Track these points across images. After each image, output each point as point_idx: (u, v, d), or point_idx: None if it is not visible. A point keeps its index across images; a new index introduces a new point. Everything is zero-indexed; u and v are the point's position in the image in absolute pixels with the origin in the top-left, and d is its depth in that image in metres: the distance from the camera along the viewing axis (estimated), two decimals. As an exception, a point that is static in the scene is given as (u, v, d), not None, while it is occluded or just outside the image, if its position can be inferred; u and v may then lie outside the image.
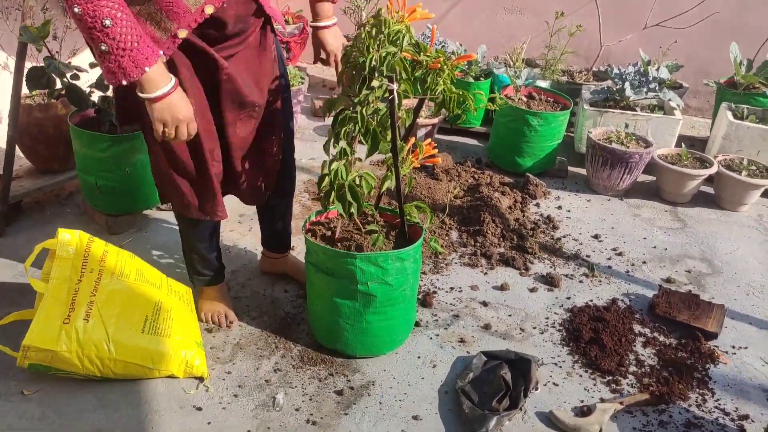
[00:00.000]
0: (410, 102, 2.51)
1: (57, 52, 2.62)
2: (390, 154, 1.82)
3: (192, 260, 2.11)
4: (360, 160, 1.86)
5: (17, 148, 2.51)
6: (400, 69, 1.66)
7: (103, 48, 1.43)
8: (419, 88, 1.73)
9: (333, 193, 1.77)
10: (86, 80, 2.58)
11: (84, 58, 2.88)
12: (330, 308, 1.93)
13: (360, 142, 1.78)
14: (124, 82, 1.47)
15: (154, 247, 2.55)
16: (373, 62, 1.62)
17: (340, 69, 1.86)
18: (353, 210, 1.79)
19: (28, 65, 2.45)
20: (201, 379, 1.90)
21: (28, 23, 2.35)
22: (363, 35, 1.65)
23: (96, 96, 2.56)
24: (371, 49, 1.63)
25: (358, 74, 1.68)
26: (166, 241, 2.60)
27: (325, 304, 1.95)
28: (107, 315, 1.81)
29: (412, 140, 1.90)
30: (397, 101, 1.69)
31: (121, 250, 2.02)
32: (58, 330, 1.75)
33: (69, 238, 1.90)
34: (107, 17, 1.39)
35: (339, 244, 1.94)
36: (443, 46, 4.04)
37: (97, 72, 2.56)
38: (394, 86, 1.66)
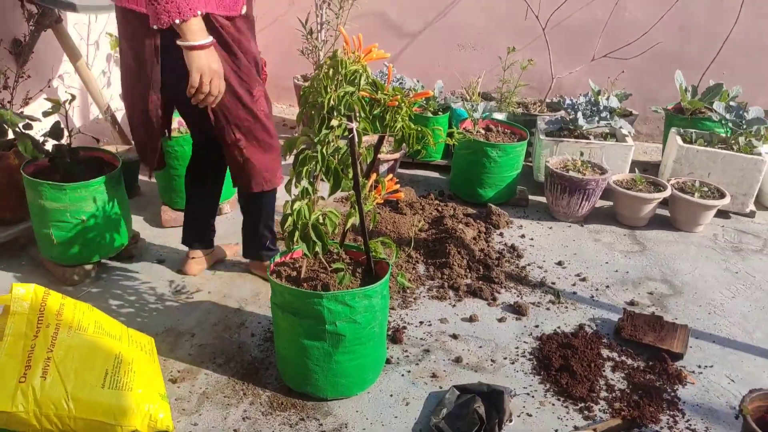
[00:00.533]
0: (370, 139, 2.55)
1: (9, 102, 2.57)
2: (353, 191, 1.82)
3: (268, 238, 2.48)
4: (323, 198, 1.86)
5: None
6: (359, 108, 1.68)
7: None
8: (378, 125, 1.75)
9: (297, 233, 1.76)
10: (39, 129, 2.53)
11: (36, 107, 2.83)
12: (298, 350, 1.90)
13: (321, 180, 1.78)
14: (177, 21, 1.71)
15: (113, 297, 2.48)
16: (332, 102, 1.63)
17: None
18: (318, 249, 1.78)
19: (-23, 116, 2.39)
20: (166, 432, 1.83)
21: (-23, 74, 2.31)
22: (321, 75, 1.67)
23: (49, 145, 2.51)
24: (329, 89, 1.65)
25: (317, 114, 1.69)
26: (125, 290, 2.53)
27: (293, 346, 1.91)
28: (66, 371, 1.74)
29: (374, 176, 1.91)
30: (357, 139, 1.70)
31: (78, 302, 1.95)
32: (14, 389, 1.66)
33: (23, 292, 1.83)
34: None
35: (305, 284, 1.92)
36: (401, 83, 4.11)
37: (51, 120, 2.51)
38: (354, 125, 1.68)
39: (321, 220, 1.79)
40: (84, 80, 3.27)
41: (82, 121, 3.63)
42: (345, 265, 1.97)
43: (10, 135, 2.49)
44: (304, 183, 1.75)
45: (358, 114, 1.70)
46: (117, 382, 1.80)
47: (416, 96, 1.81)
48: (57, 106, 2.45)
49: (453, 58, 4.66)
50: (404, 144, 1.79)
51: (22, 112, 2.51)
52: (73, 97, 2.52)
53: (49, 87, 3.17)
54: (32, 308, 1.81)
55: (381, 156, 3.57)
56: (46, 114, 2.48)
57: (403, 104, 1.72)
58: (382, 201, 1.96)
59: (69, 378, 1.73)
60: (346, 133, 1.69)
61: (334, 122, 1.65)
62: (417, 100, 1.80)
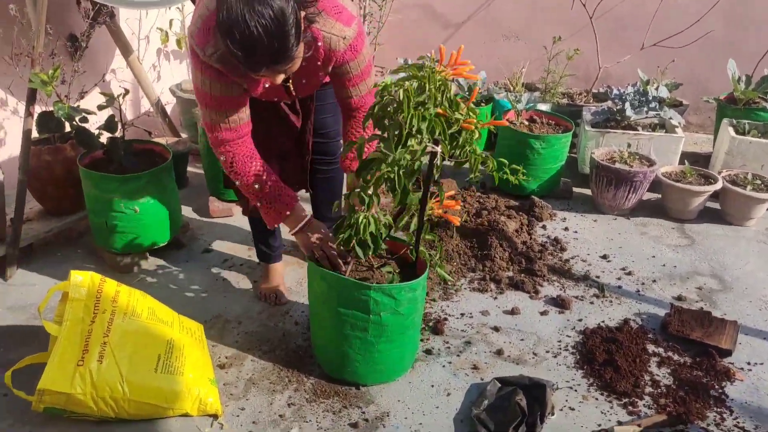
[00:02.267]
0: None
1: (66, 96, 2.68)
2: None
3: (257, 244, 2.55)
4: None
5: (27, 191, 2.55)
6: (439, 129, 1.61)
7: (259, 204, 2.01)
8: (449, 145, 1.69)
9: (354, 240, 1.81)
10: (94, 122, 2.63)
11: (92, 101, 2.94)
12: (340, 339, 1.94)
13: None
14: (276, 225, 2.07)
15: (164, 285, 2.57)
16: (413, 123, 1.56)
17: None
18: (370, 252, 1.85)
19: (37, 110, 2.50)
20: (215, 416, 1.90)
21: (37, 69, 2.41)
22: (401, 92, 1.57)
23: (104, 137, 2.61)
24: (409, 107, 1.56)
25: (392, 128, 1.62)
26: (175, 278, 2.62)
27: (335, 334, 1.95)
28: (120, 355, 1.82)
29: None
30: (439, 161, 1.67)
31: (132, 290, 2.04)
32: (73, 372, 1.75)
33: (81, 279, 1.92)
34: (256, 182, 1.95)
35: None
36: (475, 84, 4.07)
37: (105, 114, 2.61)
38: (439, 149, 1.64)
39: (377, 228, 1.83)
40: (135, 74, 3.37)
41: (134, 114, 3.75)
42: (393, 267, 2.00)
43: (67, 128, 2.59)
44: (371, 194, 1.74)
45: (437, 133, 1.62)
46: (169, 367, 1.87)
47: (490, 123, 1.78)
48: (111, 99, 2.55)
49: (497, 49, 4.62)
50: (469, 169, 1.74)
51: (78, 106, 2.61)
52: (127, 91, 2.61)
53: (103, 81, 3.28)
54: (89, 294, 1.90)
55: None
56: (100, 107, 2.58)
57: (477, 128, 1.66)
58: (440, 214, 1.95)
59: (124, 362, 1.81)
60: (426, 155, 1.65)
61: (413, 143, 1.60)
62: (488, 126, 1.73)
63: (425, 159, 1.67)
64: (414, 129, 1.56)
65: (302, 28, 1.57)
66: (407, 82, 1.58)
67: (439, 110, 1.60)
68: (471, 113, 1.65)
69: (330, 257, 1.95)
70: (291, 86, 1.93)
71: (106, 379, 1.77)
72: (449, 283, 2.60)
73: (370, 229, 1.80)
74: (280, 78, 1.67)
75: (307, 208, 2.20)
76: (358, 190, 1.73)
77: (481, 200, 3.32)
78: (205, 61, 1.73)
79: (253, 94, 1.90)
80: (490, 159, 1.74)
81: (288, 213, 2.00)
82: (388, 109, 1.62)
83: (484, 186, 3.54)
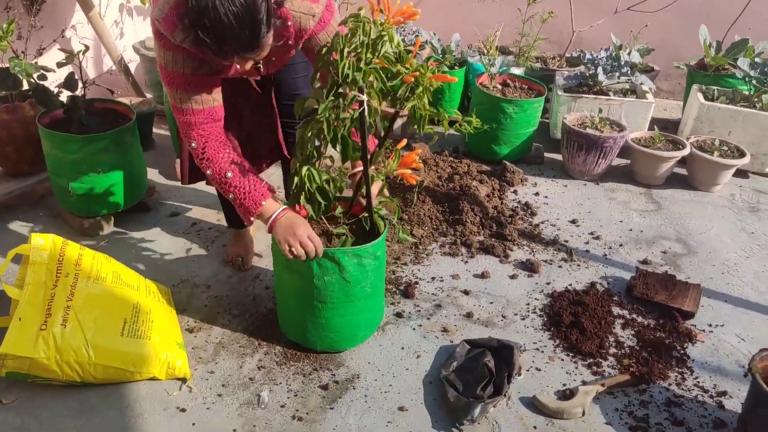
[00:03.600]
0: (390, 108, 2.45)
1: (23, 52, 2.56)
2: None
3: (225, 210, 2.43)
4: (332, 158, 1.85)
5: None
6: (377, 78, 1.58)
7: (231, 196, 1.83)
8: (392, 99, 1.66)
9: (302, 195, 1.76)
10: (53, 80, 2.52)
11: (50, 57, 2.82)
12: (293, 302, 1.94)
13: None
14: (252, 219, 1.85)
15: (130, 248, 2.52)
16: (345, 70, 1.53)
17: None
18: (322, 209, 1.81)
19: (-8, 66, 2.40)
20: (184, 380, 1.89)
21: (-10, 23, 2.30)
22: (337, 40, 1.55)
23: (64, 96, 2.51)
24: (344, 54, 1.54)
25: (330, 78, 1.61)
26: (141, 242, 2.57)
27: (288, 297, 1.95)
28: (85, 319, 1.79)
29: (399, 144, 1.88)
30: (367, 112, 1.63)
31: (96, 253, 1.99)
32: (35, 336, 1.72)
33: (42, 242, 1.87)
34: (229, 171, 1.81)
35: None
36: (417, 35, 4.03)
37: (65, 71, 2.51)
38: (364, 98, 1.59)
39: (327, 185, 1.79)
40: (97, 31, 3.24)
41: (97, 72, 3.62)
42: (346, 229, 1.97)
43: (25, 86, 2.49)
44: (310, 147, 1.71)
45: (372, 85, 1.59)
46: (135, 331, 1.85)
47: (437, 77, 1.63)
48: (71, 56, 2.44)
49: (471, 11, 4.55)
50: (415, 126, 1.70)
51: (36, 63, 2.50)
52: (87, 48, 2.50)
53: (62, 37, 3.14)
54: (51, 258, 1.85)
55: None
56: (59, 65, 2.48)
57: (420, 83, 1.61)
58: (399, 174, 1.91)
59: (88, 326, 1.78)
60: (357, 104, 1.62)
61: (343, 91, 1.58)
62: (438, 82, 1.63)
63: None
64: (348, 79, 1.53)
65: (272, 13, 1.53)
66: (349, 25, 1.55)
67: (378, 60, 1.56)
68: (421, 69, 1.60)
69: (308, 253, 1.79)
70: (261, 65, 1.87)
71: (71, 343, 1.74)
72: (421, 247, 2.60)
73: (315, 183, 1.75)
74: (250, 64, 1.63)
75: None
76: (300, 144, 1.71)
77: (453, 165, 3.31)
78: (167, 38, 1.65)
79: (223, 76, 1.83)
80: (443, 116, 1.70)
81: (263, 204, 1.82)
82: (325, 57, 1.60)
83: (456, 151, 3.53)
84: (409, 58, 1.62)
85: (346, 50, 1.54)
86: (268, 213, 1.81)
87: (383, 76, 1.58)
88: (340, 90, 1.59)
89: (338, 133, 1.66)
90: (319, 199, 1.79)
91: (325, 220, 1.97)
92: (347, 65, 1.53)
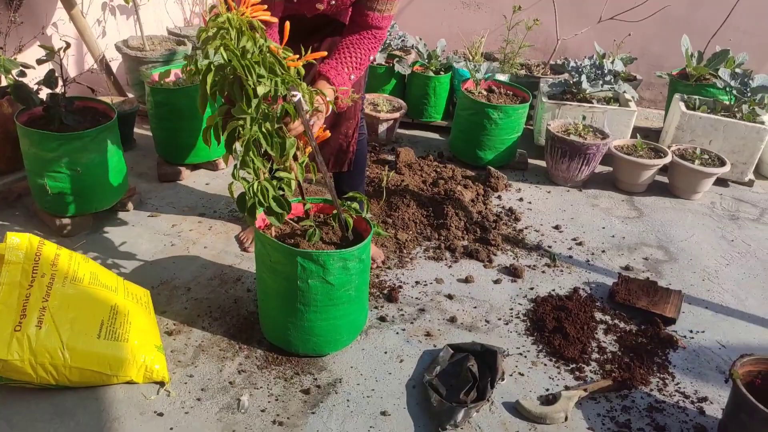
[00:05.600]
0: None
1: (1, 48, 2.51)
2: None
3: None
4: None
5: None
6: (278, 69, 1.56)
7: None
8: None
9: (260, 209, 1.73)
10: (33, 77, 2.48)
11: (30, 54, 2.77)
12: (275, 305, 1.92)
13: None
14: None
15: (109, 250, 2.47)
16: (254, 72, 1.50)
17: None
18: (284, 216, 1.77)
19: (-31, 62, 2.34)
20: (162, 383, 1.85)
21: (-32, 18, 2.25)
22: (222, 53, 1.48)
23: (44, 93, 2.46)
24: (240, 61, 1.48)
25: (237, 86, 1.54)
26: (121, 243, 2.52)
27: (271, 300, 1.92)
28: (61, 321, 1.74)
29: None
30: (305, 99, 1.62)
31: (73, 253, 1.95)
32: (9, 338, 1.67)
33: (18, 241, 1.82)
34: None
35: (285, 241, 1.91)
36: (403, 41, 4.03)
37: (45, 69, 2.46)
38: (298, 93, 1.59)
39: (279, 190, 1.74)
40: (79, 29, 3.19)
41: (78, 70, 3.56)
42: (313, 221, 1.96)
43: (3, 82, 2.43)
44: (256, 162, 1.66)
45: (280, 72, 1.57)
46: (113, 333, 1.80)
47: (308, 57, 1.66)
48: (51, 53, 2.40)
49: (457, 17, 4.57)
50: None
51: (15, 59, 2.45)
52: (68, 45, 2.46)
53: (42, 34, 3.10)
54: (27, 258, 1.81)
55: (380, 115, 3.52)
56: (40, 61, 2.43)
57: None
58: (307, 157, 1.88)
59: (64, 328, 1.74)
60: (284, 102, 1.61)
61: (262, 90, 1.52)
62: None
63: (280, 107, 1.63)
64: (256, 78, 1.50)
65: None
66: (215, 42, 1.47)
67: (273, 47, 1.56)
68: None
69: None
70: None
71: (46, 345, 1.70)
72: (405, 251, 2.59)
73: (271, 194, 1.71)
74: None
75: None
76: (238, 163, 1.66)
77: (438, 170, 3.31)
78: None
79: None
80: (319, 93, 1.71)
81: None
82: (222, 75, 1.53)
83: (441, 155, 3.53)
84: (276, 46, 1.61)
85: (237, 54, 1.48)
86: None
87: (280, 62, 1.57)
88: (259, 91, 1.53)
89: (274, 137, 1.62)
90: (277, 209, 1.74)
91: (291, 221, 1.95)
92: (248, 66, 1.48)
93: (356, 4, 1.97)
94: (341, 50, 1.95)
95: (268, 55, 1.54)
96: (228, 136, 1.60)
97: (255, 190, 1.68)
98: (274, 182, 1.73)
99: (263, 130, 1.60)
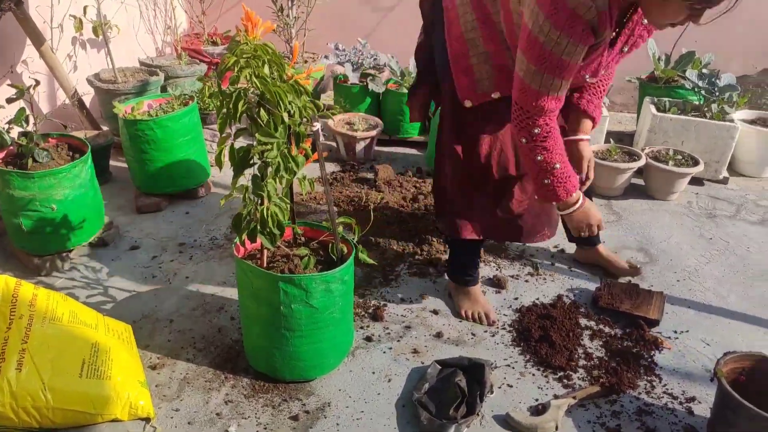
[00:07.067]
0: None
1: (-31, 89, 2.50)
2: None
3: (460, 264, 2.38)
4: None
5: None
6: (291, 95, 1.63)
7: (545, 182, 1.90)
8: None
9: (256, 231, 1.74)
10: (4, 117, 2.46)
11: (0, 93, 2.75)
12: (259, 331, 1.90)
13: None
14: (554, 203, 1.98)
15: (88, 286, 2.44)
16: (286, 99, 1.59)
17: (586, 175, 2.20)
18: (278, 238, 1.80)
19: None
20: (147, 419, 1.82)
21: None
22: (255, 80, 1.57)
23: (15, 132, 2.44)
24: (273, 89, 1.57)
25: (263, 111, 1.62)
26: (100, 278, 2.49)
27: (255, 327, 1.91)
28: (41, 362, 1.72)
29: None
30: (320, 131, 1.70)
31: (51, 292, 1.92)
32: (-12, 383, 1.64)
33: (-7, 284, 1.80)
34: (559, 162, 1.87)
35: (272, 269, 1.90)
36: (375, 59, 4.06)
37: (15, 108, 2.44)
38: (318, 125, 1.66)
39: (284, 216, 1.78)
40: (49, 65, 3.18)
41: (50, 106, 3.54)
42: (309, 250, 1.95)
43: (-27, 123, 2.42)
44: (270, 187, 1.71)
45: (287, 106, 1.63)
46: (95, 371, 1.78)
47: (308, 72, 1.76)
48: (21, 92, 2.39)
49: (427, 33, 4.60)
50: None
51: (-16, 100, 2.44)
52: (37, 83, 2.45)
53: (11, 72, 3.08)
54: (3, 300, 1.78)
55: (357, 134, 3.54)
56: (9, 100, 2.42)
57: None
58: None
59: (45, 369, 1.71)
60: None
61: (286, 117, 1.61)
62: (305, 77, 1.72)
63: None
64: (288, 103, 1.59)
65: None
66: (246, 71, 1.55)
67: (289, 75, 1.65)
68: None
69: (592, 233, 2.05)
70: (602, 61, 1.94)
71: (27, 388, 1.67)
72: (388, 268, 2.58)
73: (278, 219, 1.74)
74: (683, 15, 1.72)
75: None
76: (252, 187, 1.72)
77: (417, 185, 3.33)
78: (581, 17, 1.60)
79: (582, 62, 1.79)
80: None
81: (572, 194, 1.95)
82: (245, 102, 1.60)
83: (420, 171, 3.54)
84: (289, 65, 1.70)
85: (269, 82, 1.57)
86: (573, 200, 1.96)
87: (296, 87, 1.65)
88: (285, 119, 1.61)
89: (288, 161, 1.69)
90: (276, 231, 1.76)
91: (283, 246, 1.95)
92: (280, 92, 1.57)
93: None
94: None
95: (293, 83, 1.62)
96: (240, 159, 1.68)
97: (265, 214, 1.72)
98: (283, 209, 1.77)
99: (290, 156, 1.68)
